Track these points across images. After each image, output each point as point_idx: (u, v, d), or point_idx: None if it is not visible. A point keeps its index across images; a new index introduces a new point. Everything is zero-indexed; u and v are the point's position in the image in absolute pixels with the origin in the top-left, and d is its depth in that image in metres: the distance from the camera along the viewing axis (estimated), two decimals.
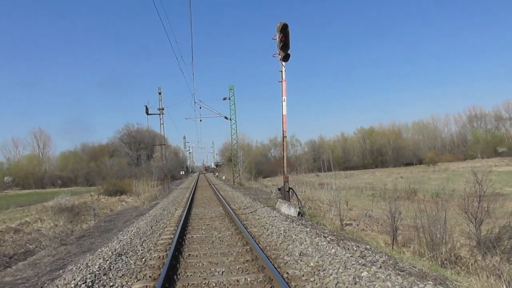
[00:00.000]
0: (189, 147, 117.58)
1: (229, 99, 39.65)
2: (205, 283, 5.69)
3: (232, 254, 7.49)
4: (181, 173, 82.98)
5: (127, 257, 7.56)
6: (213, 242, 8.83)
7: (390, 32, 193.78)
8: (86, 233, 14.05)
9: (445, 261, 9.83)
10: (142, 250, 8.30)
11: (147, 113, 33.19)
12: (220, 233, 9.83)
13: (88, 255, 8.86)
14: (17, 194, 74.54)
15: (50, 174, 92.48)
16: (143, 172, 46.56)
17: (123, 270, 6.60)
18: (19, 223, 28.26)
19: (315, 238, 8.15)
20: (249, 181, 46.87)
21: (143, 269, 6.72)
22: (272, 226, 10.17)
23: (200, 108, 38.35)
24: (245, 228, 9.99)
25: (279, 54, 14.06)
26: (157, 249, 8.29)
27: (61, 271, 7.81)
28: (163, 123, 34.01)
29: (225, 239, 9.05)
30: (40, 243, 14.92)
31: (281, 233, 9.05)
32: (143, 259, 7.39)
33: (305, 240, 7.97)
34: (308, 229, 9.35)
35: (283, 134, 14.39)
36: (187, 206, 16.08)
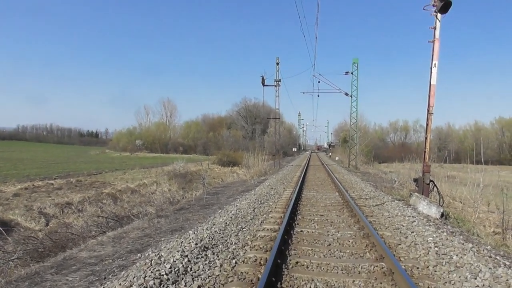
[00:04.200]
0: (303, 124, 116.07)
1: (352, 73, 36.05)
2: None
3: (360, 274, 4.99)
4: (293, 150, 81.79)
5: (213, 254, 5.61)
6: (329, 245, 6.43)
7: None
8: (186, 205, 12.89)
9: None
10: (235, 244, 6.30)
11: (263, 84, 31.70)
12: (338, 232, 7.36)
13: (174, 237, 7.26)
14: (145, 157, 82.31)
15: (173, 140, 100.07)
16: (255, 146, 46.05)
17: (201, 278, 4.63)
18: (138, 184, 29.74)
19: (496, 267, 5.14)
20: (365, 165, 43.17)
21: (230, 279, 4.67)
22: (412, 232, 7.31)
23: (319, 82, 35.68)
24: (374, 229, 7.35)
25: (433, 5, 10.62)
26: (254, 246, 6.21)
27: (138, 255, 6.29)
28: (278, 96, 32.25)
29: (347, 243, 6.55)
30: (142, 211, 14.39)
31: (430, 247, 6.18)
32: (233, 261, 5.34)
33: (480, 270, 5.02)
34: (470, 245, 6.31)
35: (428, 109, 11.02)
36: (298, 188, 13.89)
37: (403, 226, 7.91)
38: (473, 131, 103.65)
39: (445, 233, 7.23)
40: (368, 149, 56.18)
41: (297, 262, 5.39)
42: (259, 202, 10.92)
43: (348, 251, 6.05)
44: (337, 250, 6.09)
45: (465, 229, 9.56)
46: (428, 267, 5.26)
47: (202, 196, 14.54)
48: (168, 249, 5.84)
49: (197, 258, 5.32)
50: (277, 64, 32.36)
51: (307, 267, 5.23)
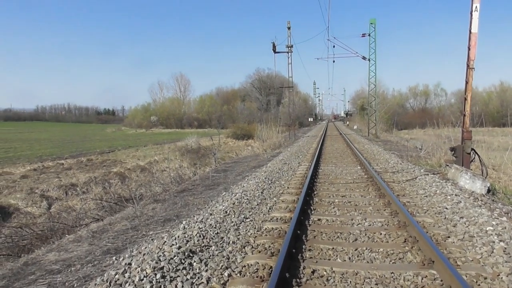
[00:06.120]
0: (318, 93, 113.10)
1: (369, 35, 33.53)
2: None
3: None
4: (309, 120, 79.80)
5: (200, 262, 4.16)
6: (355, 240, 4.93)
7: None
8: (189, 186, 11.55)
9: None
10: (233, 244, 4.85)
11: (274, 51, 29.61)
12: (365, 220, 5.84)
13: (164, 231, 5.93)
14: (160, 133, 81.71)
15: (188, 115, 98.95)
16: (270, 117, 44.36)
17: None
18: (148, 162, 28.73)
19: None
20: (384, 133, 41.25)
21: None
22: (461, 218, 5.72)
23: (334, 47, 33.95)
24: (410, 214, 5.81)
25: None
26: (257, 246, 4.74)
27: (113, 258, 4.94)
28: (291, 63, 30.17)
29: (378, 237, 5.03)
30: (144, 192, 13.20)
31: (492, 242, 4.61)
32: (226, 273, 3.86)
33: None
34: None
35: (468, 63, 9.18)
36: (314, 162, 12.36)
37: (446, 209, 6.32)
38: (498, 92, 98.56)
39: (504, 218, 5.63)
40: (388, 116, 53.95)
41: (313, 272, 3.92)
42: (270, 181, 9.45)
43: (381, 250, 4.54)
44: (366, 248, 4.59)
45: None
46: (499, 276, 3.71)
47: (208, 175, 13.17)
48: (143, 254, 4.44)
49: (177, 270, 3.89)
50: (289, 28, 30.08)
51: (328, 280, 3.76)
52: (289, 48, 30.00)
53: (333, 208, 6.63)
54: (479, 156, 9.71)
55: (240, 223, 5.77)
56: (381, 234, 5.15)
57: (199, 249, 4.56)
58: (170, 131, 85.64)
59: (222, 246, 4.73)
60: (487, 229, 5.08)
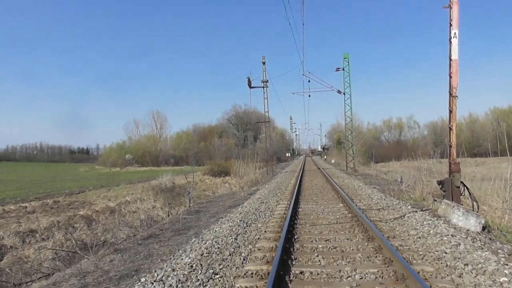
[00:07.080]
0: (295, 128, 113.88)
1: (343, 69, 33.86)
2: None
3: None
4: (287, 155, 79.61)
5: None
6: None
7: None
8: (157, 231, 10.41)
9: None
10: None
11: (250, 86, 29.31)
12: (355, 270, 4.94)
13: None
14: (135, 171, 79.48)
15: (164, 153, 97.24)
16: (248, 153, 43.60)
17: None
18: (119, 203, 27.16)
19: None
20: (362, 167, 41.11)
21: None
22: (465, 265, 4.91)
23: (309, 81, 33.51)
24: (407, 261, 4.97)
25: None
26: None
27: None
28: (267, 98, 29.91)
29: None
30: (108, 238, 11.96)
31: None
32: None
33: None
34: None
35: (451, 92, 8.72)
36: (293, 199, 11.49)
37: (446, 253, 5.51)
38: (469, 123, 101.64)
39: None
40: (365, 149, 54.16)
41: None
42: (245, 224, 8.48)
43: None
44: None
45: None
46: None
47: (179, 217, 12.04)
48: None
49: None
50: (264, 63, 30.05)
51: None
52: (265, 83, 29.83)
53: (317, 256, 5.72)
54: (468, 190, 9.09)
55: (208, 281, 4.78)
56: None
57: None
58: (145, 169, 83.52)
59: None
60: (501, 280, 4.29)
